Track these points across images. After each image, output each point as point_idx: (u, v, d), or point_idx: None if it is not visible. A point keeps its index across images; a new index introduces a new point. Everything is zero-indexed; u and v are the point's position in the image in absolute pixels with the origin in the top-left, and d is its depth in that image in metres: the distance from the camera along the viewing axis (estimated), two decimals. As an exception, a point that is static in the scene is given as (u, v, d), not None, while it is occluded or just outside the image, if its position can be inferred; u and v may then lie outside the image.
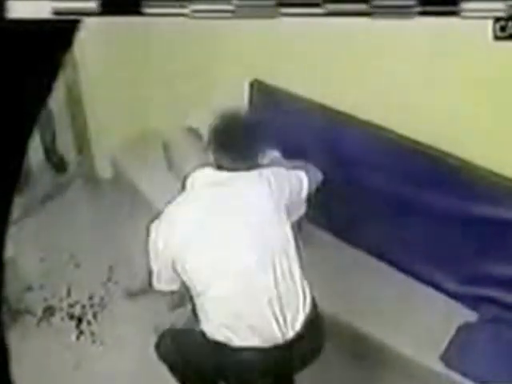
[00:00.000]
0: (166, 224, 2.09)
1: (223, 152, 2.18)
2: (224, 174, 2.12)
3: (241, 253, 2.05)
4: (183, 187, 2.15)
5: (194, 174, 2.14)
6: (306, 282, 2.16)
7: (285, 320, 2.07)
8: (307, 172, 2.40)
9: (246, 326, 2.05)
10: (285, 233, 2.12)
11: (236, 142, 2.20)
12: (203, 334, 2.12)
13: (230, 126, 2.26)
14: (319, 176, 2.54)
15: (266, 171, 2.16)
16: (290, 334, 2.09)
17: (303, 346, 2.13)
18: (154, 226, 2.10)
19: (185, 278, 2.09)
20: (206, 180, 2.12)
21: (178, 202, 2.12)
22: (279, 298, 2.06)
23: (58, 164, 3.98)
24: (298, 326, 2.10)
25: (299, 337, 2.10)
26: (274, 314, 2.05)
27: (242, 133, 2.27)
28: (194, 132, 2.26)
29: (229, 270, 2.04)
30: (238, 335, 2.06)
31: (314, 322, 2.15)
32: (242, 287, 2.04)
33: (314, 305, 2.17)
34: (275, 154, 2.67)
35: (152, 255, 2.10)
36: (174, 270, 2.09)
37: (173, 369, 2.36)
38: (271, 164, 2.47)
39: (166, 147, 2.22)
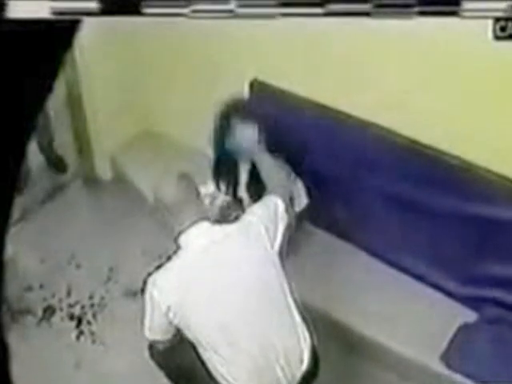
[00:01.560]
0: (163, 279, 2.11)
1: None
2: (217, 230, 2.15)
3: (240, 307, 2.10)
4: (177, 244, 2.16)
5: (189, 232, 2.13)
6: (306, 324, 2.20)
7: (289, 366, 2.14)
8: (296, 196, 2.56)
9: (249, 376, 2.11)
10: (281, 282, 2.16)
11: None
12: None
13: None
14: (304, 201, 2.66)
15: (255, 221, 2.18)
16: (295, 381, 2.17)
17: None
18: (151, 280, 2.11)
19: (186, 332, 2.13)
20: (201, 238, 2.13)
21: (174, 261, 2.14)
22: (284, 349, 2.12)
23: (57, 164, 3.96)
24: (303, 369, 2.17)
25: (303, 380, 2.19)
26: (278, 361, 2.11)
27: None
28: (186, 178, 2.23)
29: (227, 327, 2.08)
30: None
31: (313, 360, 2.21)
32: (243, 341, 2.09)
33: (312, 338, 2.22)
34: (272, 158, 2.65)
35: (148, 307, 2.12)
36: (170, 321, 2.10)
37: (168, 373, 2.39)
38: (269, 169, 2.50)
39: (157, 201, 2.20)
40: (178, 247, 2.15)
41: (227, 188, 2.90)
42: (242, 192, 2.89)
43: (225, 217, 2.70)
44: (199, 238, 2.13)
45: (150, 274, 2.13)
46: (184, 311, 2.07)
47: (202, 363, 2.17)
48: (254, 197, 2.72)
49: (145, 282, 2.12)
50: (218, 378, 2.14)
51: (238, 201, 2.92)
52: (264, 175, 2.51)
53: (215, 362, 2.12)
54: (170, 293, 2.09)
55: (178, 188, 2.15)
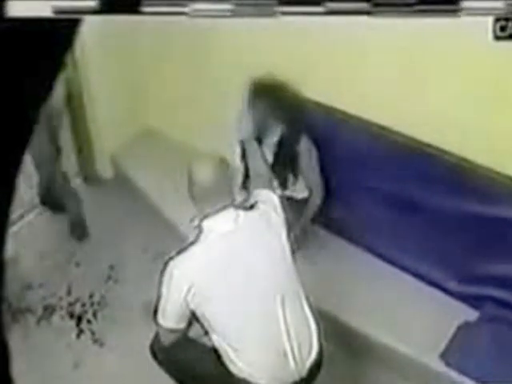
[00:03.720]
0: (186, 260, 2.13)
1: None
2: (241, 215, 2.16)
3: (258, 294, 2.12)
4: (200, 227, 2.17)
5: (216, 216, 2.14)
6: (313, 315, 2.24)
7: (300, 355, 2.17)
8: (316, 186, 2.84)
9: (262, 368, 2.13)
10: (292, 271, 2.20)
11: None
12: (214, 350, 2.19)
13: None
14: (321, 193, 2.88)
15: (271, 210, 2.23)
16: (305, 371, 2.19)
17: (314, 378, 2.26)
18: (172, 262, 2.12)
19: (200, 317, 2.14)
20: (227, 224, 2.14)
21: (198, 244, 2.15)
22: (295, 338, 2.15)
23: (54, 205, 3.64)
24: (312, 359, 2.20)
25: (311, 371, 2.22)
26: (292, 350, 2.14)
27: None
28: (224, 163, 2.21)
29: (245, 312, 2.11)
30: (256, 374, 2.13)
31: (320, 351, 2.24)
32: (257, 330, 2.12)
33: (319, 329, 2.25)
34: (311, 146, 2.85)
35: (165, 289, 2.13)
36: (187, 304, 2.11)
37: (168, 371, 2.40)
38: (306, 156, 2.80)
39: (189, 178, 2.18)
40: (201, 231, 2.15)
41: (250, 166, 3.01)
42: (264, 171, 2.98)
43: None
44: (225, 223, 2.14)
45: (171, 258, 2.14)
46: (204, 294, 2.09)
47: (215, 351, 2.18)
48: (279, 178, 2.91)
49: (165, 264, 2.13)
50: (230, 364, 2.16)
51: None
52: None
53: (228, 348, 2.13)
54: (193, 274, 2.10)
55: (215, 171, 2.14)
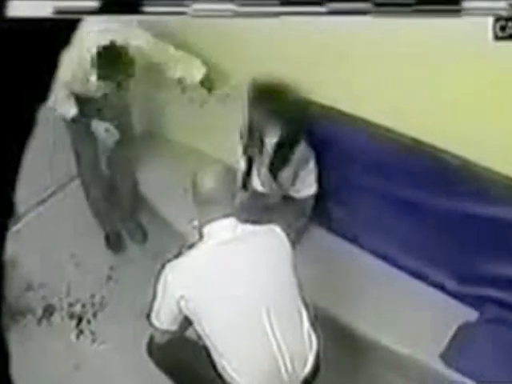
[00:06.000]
0: (182, 266, 2.13)
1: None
2: (243, 227, 2.16)
3: (253, 307, 2.10)
4: (200, 234, 2.17)
5: (216, 224, 2.14)
6: (312, 328, 2.22)
7: (293, 368, 2.14)
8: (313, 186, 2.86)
9: (254, 375, 2.11)
10: (294, 287, 2.18)
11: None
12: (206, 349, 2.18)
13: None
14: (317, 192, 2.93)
15: (277, 229, 2.22)
16: (298, 382, 2.17)
17: None
18: (169, 265, 2.13)
19: (195, 324, 2.13)
20: (226, 232, 2.14)
21: (196, 251, 2.15)
22: (290, 353, 2.12)
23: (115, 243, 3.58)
24: (306, 371, 2.18)
25: (305, 381, 2.20)
26: (284, 363, 2.12)
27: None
28: (230, 172, 2.23)
29: (235, 323, 2.09)
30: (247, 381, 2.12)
31: (316, 364, 2.22)
32: (248, 342, 2.10)
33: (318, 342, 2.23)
34: (306, 146, 2.85)
35: (160, 291, 2.13)
36: (180, 310, 2.10)
37: (166, 372, 2.39)
38: (301, 154, 2.80)
39: (194, 184, 2.18)
40: (202, 237, 2.15)
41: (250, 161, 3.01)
42: (263, 167, 2.97)
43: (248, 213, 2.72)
44: (225, 231, 2.13)
45: (169, 260, 2.14)
46: (197, 303, 2.08)
47: (209, 357, 2.17)
48: (274, 172, 2.90)
49: (163, 267, 2.13)
50: (224, 374, 2.15)
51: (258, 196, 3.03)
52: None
53: (222, 359, 2.12)
54: (187, 281, 2.09)
55: (220, 180, 2.14)
